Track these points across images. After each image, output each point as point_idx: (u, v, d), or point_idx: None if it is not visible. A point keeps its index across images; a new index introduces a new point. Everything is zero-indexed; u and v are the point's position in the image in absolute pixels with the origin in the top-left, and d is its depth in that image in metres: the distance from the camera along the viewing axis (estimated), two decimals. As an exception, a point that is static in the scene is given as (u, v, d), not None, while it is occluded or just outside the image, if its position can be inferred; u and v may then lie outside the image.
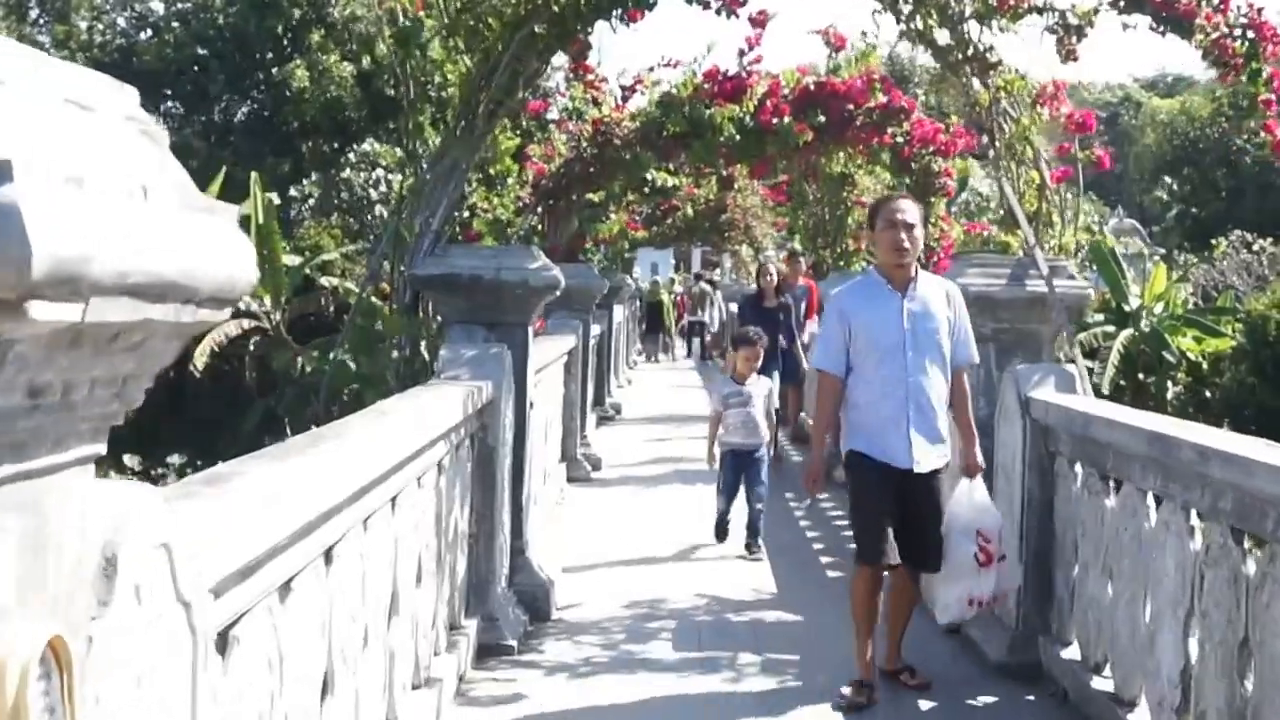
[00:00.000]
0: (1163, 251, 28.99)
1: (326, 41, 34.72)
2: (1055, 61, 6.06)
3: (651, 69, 10.24)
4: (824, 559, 6.86)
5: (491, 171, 13.96)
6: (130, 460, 17.99)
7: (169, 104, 41.83)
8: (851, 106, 9.61)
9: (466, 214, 13.23)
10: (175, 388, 20.21)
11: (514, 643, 4.96)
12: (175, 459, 15.86)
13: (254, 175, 20.46)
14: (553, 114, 12.91)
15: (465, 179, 6.01)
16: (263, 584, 2.21)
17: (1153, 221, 37.94)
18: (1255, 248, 26.64)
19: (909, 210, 4.49)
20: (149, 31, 41.51)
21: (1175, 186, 34.53)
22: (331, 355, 5.79)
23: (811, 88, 9.66)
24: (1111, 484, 4.16)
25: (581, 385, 9.61)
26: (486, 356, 5.07)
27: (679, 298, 27.78)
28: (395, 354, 5.87)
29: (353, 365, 5.42)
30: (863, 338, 4.46)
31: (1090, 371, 19.21)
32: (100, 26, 41.85)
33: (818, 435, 4.90)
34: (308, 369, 5.27)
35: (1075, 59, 6.12)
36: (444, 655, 4.29)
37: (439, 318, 5.80)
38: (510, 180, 12.15)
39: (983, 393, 5.12)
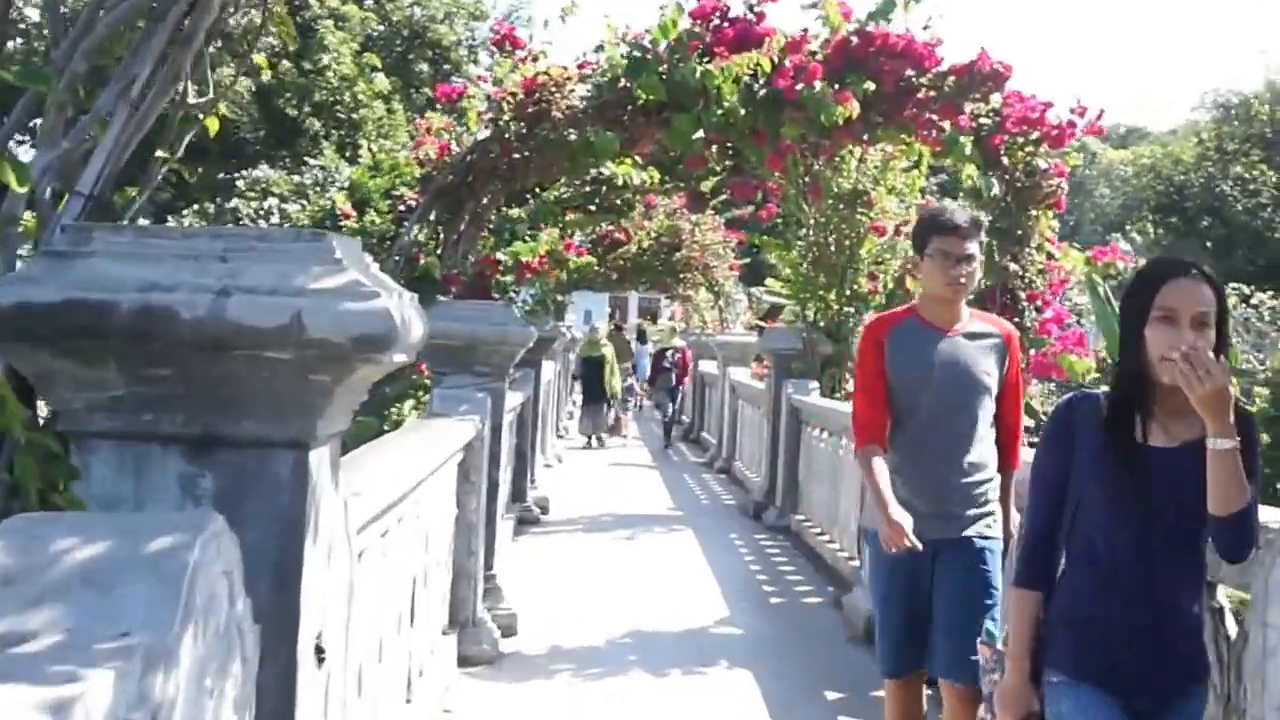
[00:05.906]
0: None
1: (221, 54, 30.72)
2: None
3: (599, 46, 6.88)
4: None
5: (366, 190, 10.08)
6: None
7: (37, 120, 37.20)
8: (912, 71, 6.34)
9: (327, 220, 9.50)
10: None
11: None
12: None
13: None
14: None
15: (176, 80, 2.51)
16: None
17: (1112, 275, 35.58)
18: (1254, 301, 24.09)
19: None
20: (19, 39, 37.10)
21: (1155, 233, 32.19)
22: None
23: (854, 41, 6.35)
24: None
25: (489, 493, 6.03)
26: (142, 561, 1.53)
27: (680, 353, 18.24)
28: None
29: None
30: None
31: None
32: (-40, 34, 37.27)
33: None
34: None
35: None
36: None
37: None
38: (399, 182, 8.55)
39: None
